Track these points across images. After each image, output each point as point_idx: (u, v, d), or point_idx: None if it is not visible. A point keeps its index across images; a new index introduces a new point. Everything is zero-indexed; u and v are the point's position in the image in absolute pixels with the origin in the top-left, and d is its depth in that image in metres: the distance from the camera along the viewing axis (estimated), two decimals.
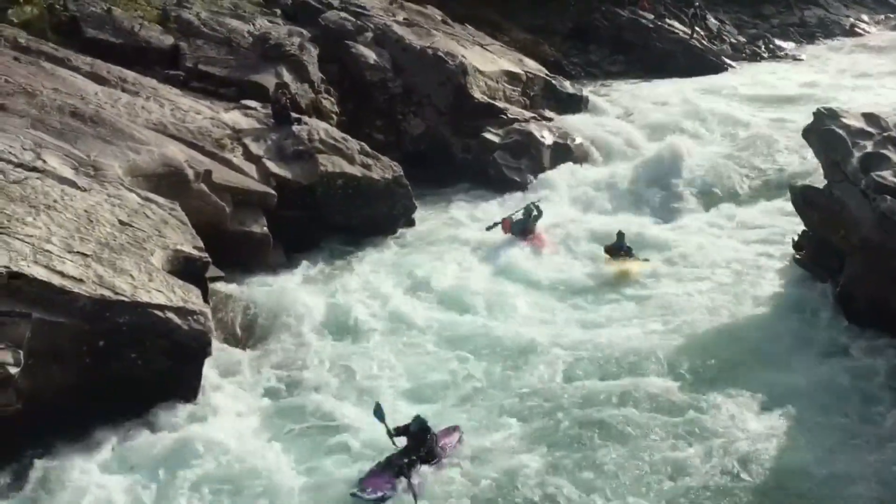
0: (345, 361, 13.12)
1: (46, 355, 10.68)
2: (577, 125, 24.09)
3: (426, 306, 14.92)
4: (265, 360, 13.20)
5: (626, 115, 25.98)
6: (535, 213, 18.31)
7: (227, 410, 11.69)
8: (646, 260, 16.74)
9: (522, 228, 18.07)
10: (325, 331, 14.08)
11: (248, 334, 13.92)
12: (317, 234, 17.59)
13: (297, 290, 15.35)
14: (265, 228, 16.09)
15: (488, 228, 18.17)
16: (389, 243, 17.95)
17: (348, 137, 19.01)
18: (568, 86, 26.88)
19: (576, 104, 26.03)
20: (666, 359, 12.91)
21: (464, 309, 14.89)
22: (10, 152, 13.08)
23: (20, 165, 12.93)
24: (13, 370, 10.19)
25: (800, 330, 13.79)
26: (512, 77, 25.03)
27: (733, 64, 34.40)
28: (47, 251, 11.32)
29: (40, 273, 10.86)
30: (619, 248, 16.93)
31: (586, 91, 27.47)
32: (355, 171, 18.11)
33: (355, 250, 17.46)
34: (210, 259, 13.32)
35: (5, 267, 10.66)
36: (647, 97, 28.03)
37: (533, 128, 22.77)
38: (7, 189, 12.22)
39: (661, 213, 19.85)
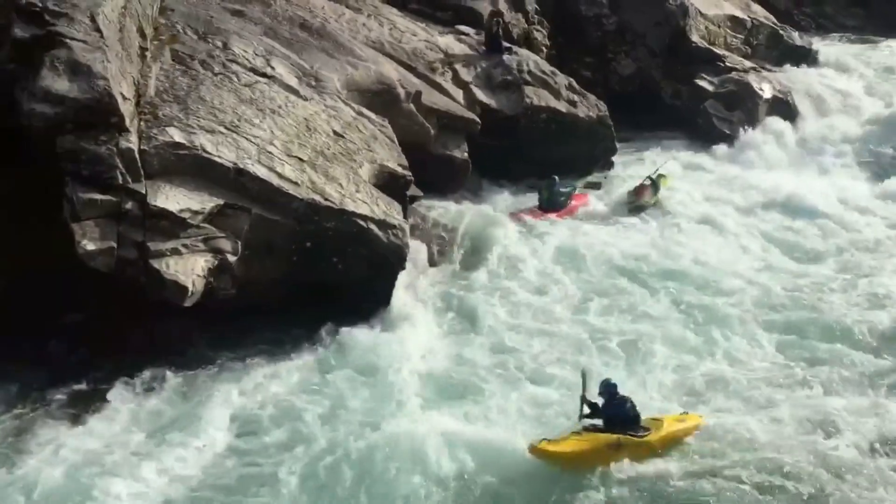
0: (530, 293, 13.28)
1: (260, 249, 11.57)
2: (801, 80, 22.56)
3: (617, 251, 14.69)
4: (453, 279, 13.69)
5: (858, 74, 23.84)
6: (556, 186, 16.37)
7: (414, 322, 12.17)
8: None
9: (552, 202, 16.31)
10: (511, 260, 14.27)
11: (440, 253, 14.34)
12: (514, 166, 17.65)
13: (488, 217, 15.64)
14: (466, 154, 16.41)
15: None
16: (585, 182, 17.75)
17: (557, 72, 18.80)
18: (796, 37, 25.07)
19: (802, 57, 24.27)
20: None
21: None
22: (244, 56, 13.97)
23: (252, 70, 13.79)
24: (231, 258, 11.16)
25: None
26: (736, 23, 23.64)
27: None
28: (269, 153, 12.11)
29: (262, 172, 11.68)
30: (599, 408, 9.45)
31: (816, 44, 25.45)
32: (560, 106, 17.95)
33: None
34: (412, 177, 13.75)
35: (233, 163, 11.53)
36: (885, 56, 25.57)
37: (752, 79, 21.42)
38: (239, 91, 13.11)
39: (875, 184, 17.96)
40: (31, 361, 10.76)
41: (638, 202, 16.38)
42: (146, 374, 10.65)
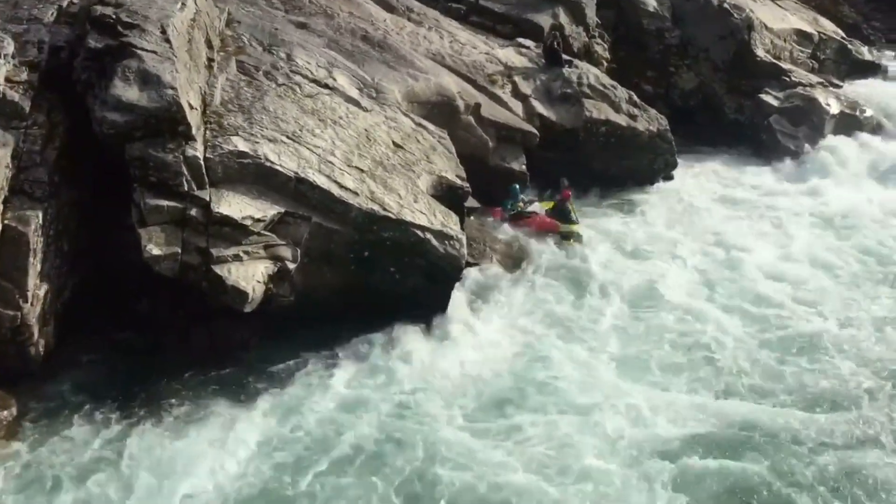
0: (573, 309, 13.12)
1: (319, 257, 11.70)
2: (870, 95, 22.02)
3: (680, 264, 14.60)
4: (508, 293, 13.47)
5: None
6: (521, 196, 15.77)
7: (466, 333, 12.13)
8: None
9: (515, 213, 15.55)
10: (563, 271, 14.14)
11: (496, 265, 14.24)
12: (571, 178, 17.46)
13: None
14: (524, 167, 16.37)
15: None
16: (646, 196, 17.58)
17: (617, 85, 18.68)
18: (865, 51, 24.58)
19: (871, 72, 23.81)
20: None
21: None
22: (307, 68, 14.21)
23: (314, 81, 14.02)
24: (291, 266, 11.31)
25: None
26: (802, 37, 23.19)
27: None
28: (330, 162, 12.27)
29: (322, 181, 11.82)
30: None
31: (886, 59, 24.81)
32: (620, 120, 17.83)
33: (609, 198, 17.35)
34: (470, 189, 13.77)
35: (294, 172, 11.71)
36: None
37: (818, 94, 21.00)
38: (301, 102, 13.33)
39: None
40: (101, 351, 11.11)
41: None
42: (207, 372, 10.88)
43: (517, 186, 15.79)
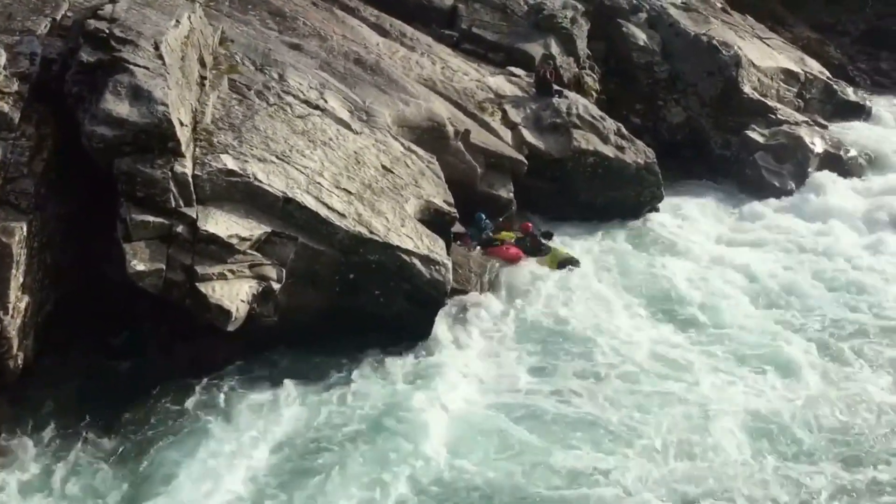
0: (559, 329, 13.24)
1: (304, 278, 11.70)
2: (854, 137, 22.20)
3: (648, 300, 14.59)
4: (491, 318, 13.49)
5: None
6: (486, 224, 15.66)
7: (449, 360, 12.11)
8: None
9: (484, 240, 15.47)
10: (551, 301, 14.15)
11: (479, 291, 14.26)
12: (558, 208, 17.64)
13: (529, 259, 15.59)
14: (511, 194, 16.44)
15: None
16: (631, 228, 17.62)
17: (606, 117, 18.83)
18: (850, 92, 24.82)
19: (856, 114, 24.02)
20: None
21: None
22: (298, 89, 14.27)
23: (305, 102, 14.08)
24: (276, 285, 11.30)
25: None
26: (789, 76, 23.47)
27: None
28: (318, 183, 12.31)
29: (310, 202, 11.84)
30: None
31: (870, 101, 25.15)
32: (608, 151, 17.95)
33: (595, 229, 17.31)
34: (458, 215, 13.84)
35: (282, 192, 11.72)
36: None
37: (803, 132, 21.19)
38: (292, 122, 13.37)
39: None
40: (81, 366, 11.05)
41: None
42: (189, 390, 10.83)
43: (482, 215, 15.69)
